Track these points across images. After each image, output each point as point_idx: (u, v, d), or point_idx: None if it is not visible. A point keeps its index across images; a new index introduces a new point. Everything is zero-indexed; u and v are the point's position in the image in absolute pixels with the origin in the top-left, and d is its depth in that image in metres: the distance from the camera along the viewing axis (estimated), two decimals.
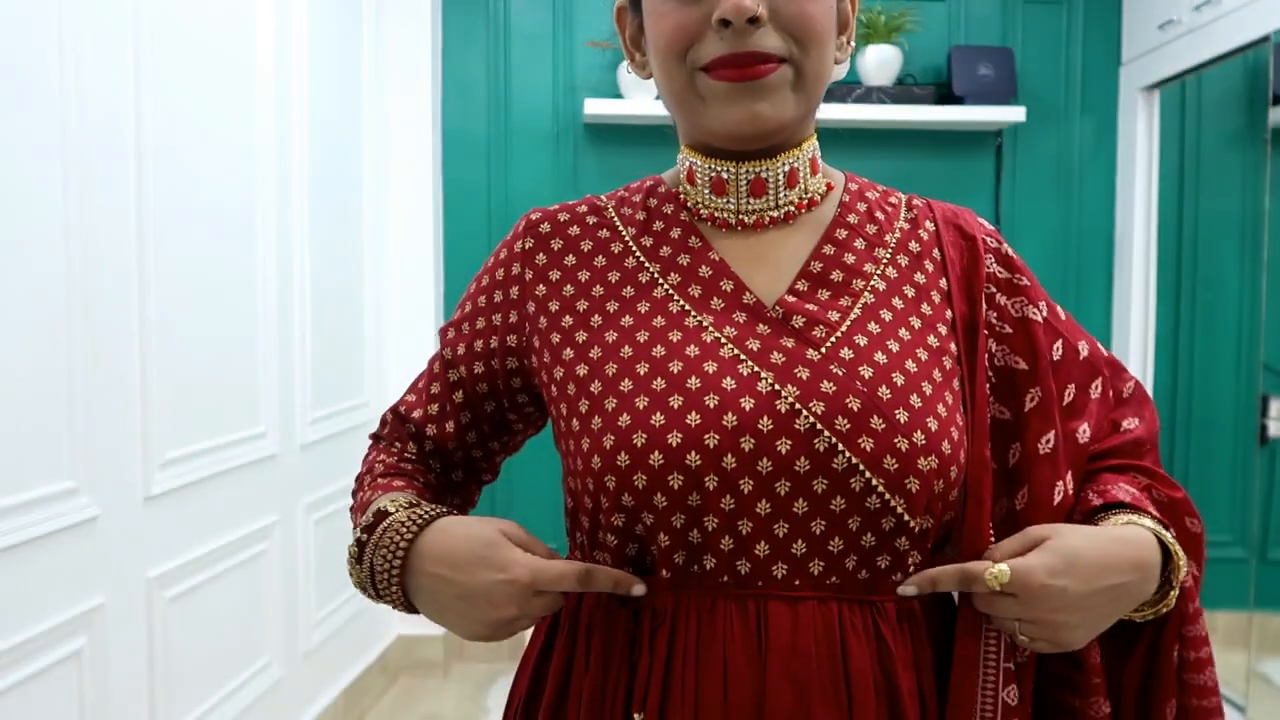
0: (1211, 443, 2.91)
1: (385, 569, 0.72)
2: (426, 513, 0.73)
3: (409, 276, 2.88)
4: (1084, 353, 0.81)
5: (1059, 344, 0.80)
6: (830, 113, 2.78)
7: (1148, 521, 0.72)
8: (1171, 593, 0.72)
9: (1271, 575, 2.55)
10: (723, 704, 0.68)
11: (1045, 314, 0.80)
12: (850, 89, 2.90)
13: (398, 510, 0.74)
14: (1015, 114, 2.92)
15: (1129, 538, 0.70)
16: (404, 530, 0.72)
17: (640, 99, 2.83)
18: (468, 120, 2.98)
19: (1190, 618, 0.75)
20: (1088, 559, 0.68)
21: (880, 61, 2.91)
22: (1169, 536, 0.72)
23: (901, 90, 2.92)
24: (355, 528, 0.78)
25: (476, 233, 2.99)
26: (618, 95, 2.91)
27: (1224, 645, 2.82)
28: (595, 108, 2.83)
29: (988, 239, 0.81)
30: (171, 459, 1.72)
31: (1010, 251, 0.82)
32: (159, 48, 1.66)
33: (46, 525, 1.39)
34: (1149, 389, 2.96)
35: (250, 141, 2.02)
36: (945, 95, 2.98)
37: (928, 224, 0.81)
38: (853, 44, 0.79)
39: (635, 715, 0.70)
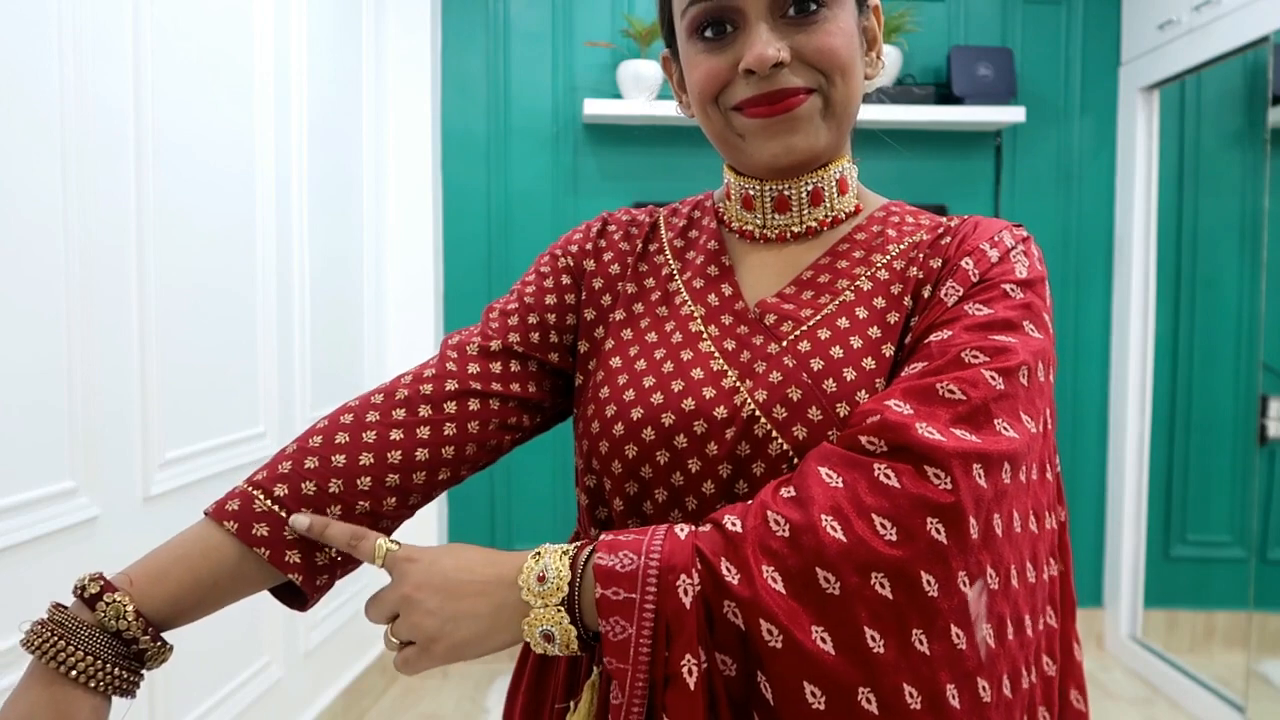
0: (1211, 443, 2.92)
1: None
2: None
3: (409, 276, 2.88)
4: (935, 339, 0.70)
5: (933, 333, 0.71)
6: None
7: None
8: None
9: (1271, 575, 2.55)
10: None
11: (955, 303, 0.72)
12: None
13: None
14: (1015, 114, 2.92)
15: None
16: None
17: (640, 99, 2.83)
18: (467, 120, 2.98)
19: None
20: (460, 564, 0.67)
21: None
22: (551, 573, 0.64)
23: (901, 90, 2.92)
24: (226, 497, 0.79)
25: (476, 233, 2.99)
26: (617, 95, 2.91)
27: (1224, 645, 2.83)
28: (595, 108, 2.83)
29: (984, 244, 0.75)
30: (171, 459, 1.72)
31: (996, 255, 0.74)
32: (159, 48, 1.66)
33: (46, 525, 1.39)
34: (1149, 389, 2.98)
35: (250, 141, 2.02)
36: (945, 95, 2.98)
37: (944, 240, 0.77)
38: (884, 58, 0.84)
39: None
